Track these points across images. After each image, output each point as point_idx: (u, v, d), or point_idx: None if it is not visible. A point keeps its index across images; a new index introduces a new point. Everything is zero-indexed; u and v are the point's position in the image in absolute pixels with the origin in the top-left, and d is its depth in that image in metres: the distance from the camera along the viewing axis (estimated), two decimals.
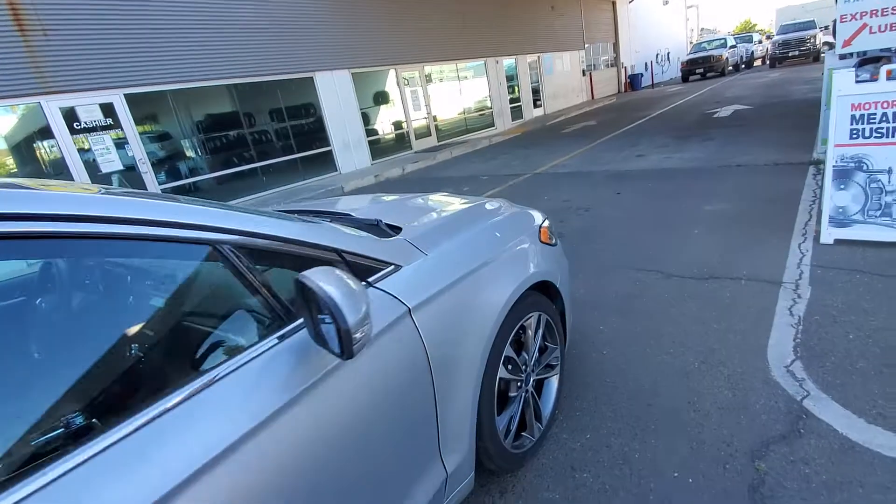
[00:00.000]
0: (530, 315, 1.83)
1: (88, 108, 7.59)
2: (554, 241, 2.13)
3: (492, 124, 15.34)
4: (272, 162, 9.77)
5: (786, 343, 2.31)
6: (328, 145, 10.52)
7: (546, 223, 2.13)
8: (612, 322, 2.77)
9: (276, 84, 9.66)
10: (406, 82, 12.40)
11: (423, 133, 13.14)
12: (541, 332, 1.92)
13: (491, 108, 15.31)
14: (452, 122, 14.28)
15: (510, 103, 16.13)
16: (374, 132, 11.72)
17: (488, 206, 2.09)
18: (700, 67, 21.35)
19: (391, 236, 1.55)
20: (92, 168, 7.51)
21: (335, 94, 10.47)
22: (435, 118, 13.48)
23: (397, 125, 12.52)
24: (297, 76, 9.90)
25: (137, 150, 8.06)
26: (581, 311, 2.93)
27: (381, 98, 12.13)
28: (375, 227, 1.72)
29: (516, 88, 16.58)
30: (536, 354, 1.92)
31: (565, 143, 10.26)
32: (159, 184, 8.32)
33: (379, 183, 9.43)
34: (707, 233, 3.84)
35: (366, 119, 11.31)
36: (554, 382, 2.05)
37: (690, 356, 2.34)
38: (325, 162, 10.55)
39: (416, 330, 1.28)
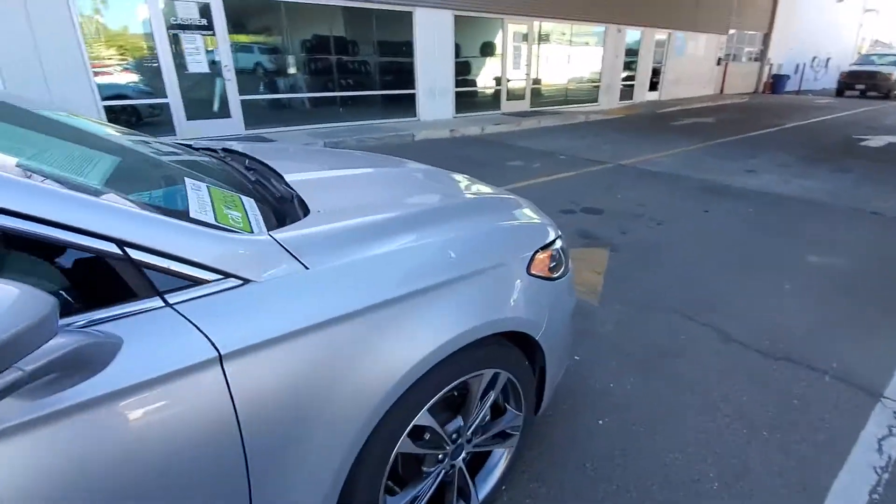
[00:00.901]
0: (480, 373, 1.30)
1: (187, 4, 7.62)
2: (559, 273, 1.54)
3: (595, 100, 13.99)
4: (351, 94, 9.48)
5: (857, 495, 1.60)
6: (413, 88, 10.01)
7: (555, 245, 1.54)
8: (628, 382, 2.15)
9: (371, 13, 9.18)
10: (512, 36, 11.42)
11: (517, 95, 12.21)
12: (493, 395, 1.39)
13: (599, 82, 13.91)
14: (552, 89, 13.14)
15: (622, 80, 14.55)
16: (464, 84, 10.97)
17: (487, 206, 1.54)
18: (861, 83, 17.99)
19: (283, 226, 1.07)
20: (180, 66, 7.63)
21: (432, 35, 9.82)
22: (534, 81, 12.45)
23: (491, 81, 11.69)
24: (396, 7, 9.34)
25: (225, 56, 8.05)
26: (596, 351, 2.32)
27: (480, 49, 11.30)
28: (288, 205, 1.25)
29: (634, 65, 14.89)
30: (480, 421, 1.40)
31: (669, 137, 9.00)
32: (239, 93, 8.34)
33: (452, 138, 8.87)
34: (801, 292, 2.98)
35: (458, 69, 10.59)
36: (502, 457, 1.54)
37: (712, 469, 1.70)
38: (406, 105, 10.10)
39: (227, 391, 0.82)
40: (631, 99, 15.15)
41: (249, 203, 1.17)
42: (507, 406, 1.50)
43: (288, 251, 0.96)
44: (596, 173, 6.17)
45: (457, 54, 10.42)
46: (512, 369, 1.41)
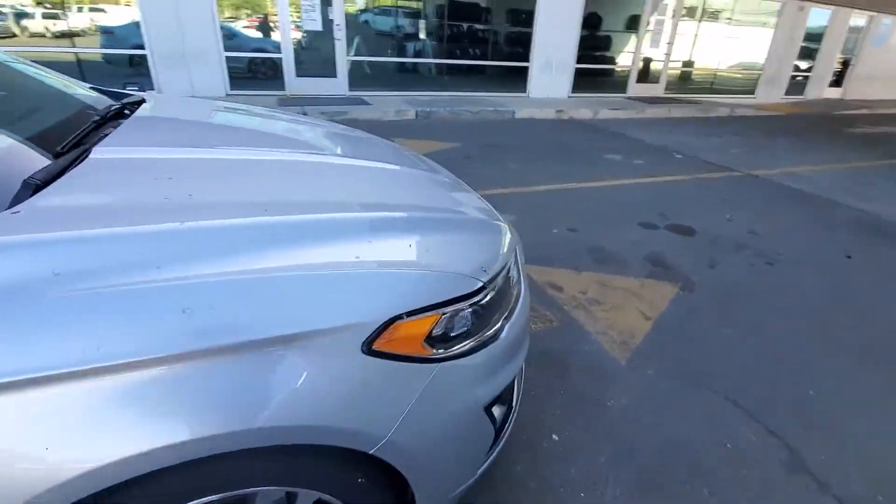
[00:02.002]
0: (253, 491, 0.83)
1: None
2: (459, 347, 0.98)
3: (751, 92, 11.76)
4: (458, 63, 8.99)
5: None
6: (526, 61, 9.19)
7: (464, 305, 0.97)
8: None
9: None
10: (655, 6, 9.90)
11: (651, 77, 10.68)
12: None
13: (761, 70, 11.62)
14: (696, 73, 11.29)
15: (793, 71, 12.01)
16: (588, 59, 9.79)
17: (321, 229, 1.01)
18: None
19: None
20: (295, 23, 7.80)
21: (557, 2, 8.84)
22: (677, 63, 10.76)
23: (621, 59, 10.34)
24: None
25: (338, 15, 8.04)
26: (584, 437, 1.67)
27: (613, 20, 10.00)
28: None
29: (814, 54, 12.18)
30: None
31: (836, 147, 7.14)
32: (347, 54, 8.33)
33: (557, 120, 7.98)
34: None
35: (583, 42, 9.47)
36: None
37: None
38: (516, 79, 9.33)
39: None
40: (801, 94, 12.50)
41: None
42: None
43: None
44: (712, 182, 5.01)
45: (584, 25, 9.30)
46: (330, 488, 0.91)
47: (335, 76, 8.31)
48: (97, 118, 1.32)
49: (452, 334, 1.01)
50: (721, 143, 6.91)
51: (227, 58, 7.50)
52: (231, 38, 7.64)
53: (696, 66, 11.18)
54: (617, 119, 8.45)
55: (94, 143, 1.13)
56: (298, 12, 7.79)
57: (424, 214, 1.19)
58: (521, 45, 9.14)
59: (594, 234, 3.41)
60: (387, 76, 8.81)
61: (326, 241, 0.94)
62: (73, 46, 6.94)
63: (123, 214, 0.85)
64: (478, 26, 9.11)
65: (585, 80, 9.82)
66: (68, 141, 1.12)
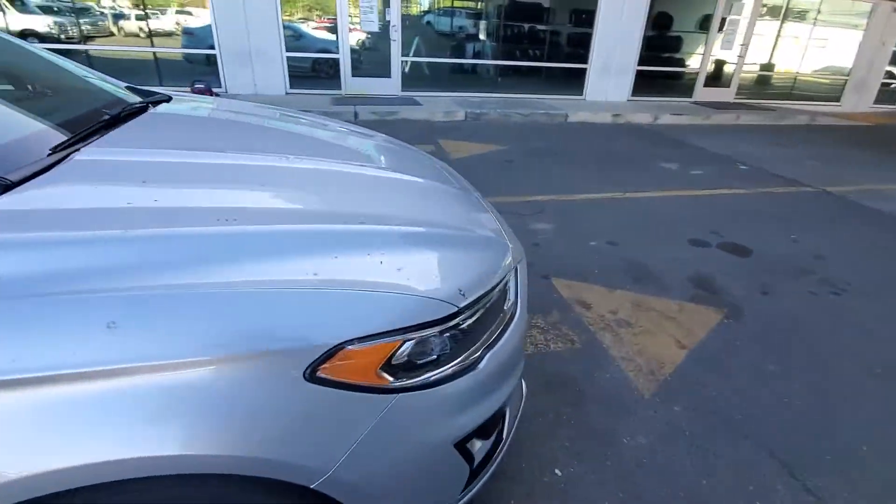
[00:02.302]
0: None
1: None
2: (424, 376, 0.89)
3: (836, 99, 10.76)
4: (511, 64, 8.82)
5: None
6: (584, 62, 8.87)
7: (437, 329, 0.89)
8: None
9: None
10: (729, 6, 9.25)
11: (720, 81, 10.01)
12: None
13: (847, 76, 10.59)
14: (773, 78, 10.46)
15: (884, 77, 10.86)
16: (650, 61, 9.29)
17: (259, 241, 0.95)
18: None
19: None
20: (352, 25, 7.97)
21: (620, 2, 8.46)
22: (752, 67, 10.03)
23: (688, 61, 9.76)
24: None
25: (395, 16, 8.11)
26: (590, 479, 1.53)
27: (681, 20, 9.45)
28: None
29: None
30: None
31: None
32: (402, 55, 8.39)
33: (613, 125, 7.63)
34: None
35: (646, 43, 9.01)
36: None
37: None
38: (572, 82, 9.03)
39: None
40: (894, 104, 11.28)
41: None
42: None
43: None
44: (779, 197, 4.58)
45: (649, 25, 8.85)
46: None
47: (389, 76, 8.39)
48: (108, 117, 1.34)
49: (420, 362, 0.92)
50: (794, 155, 6.33)
51: (287, 57, 7.77)
52: (297, 39, 7.92)
53: (773, 70, 10.36)
54: (678, 125, 7.97)
55: (88, 143, 1.14)
56: (357, 13, 7.94)
57: (409, 229, 1.11)
58: (579, 46, 8.84)
59: (635, 249, 3.19)
60: (440, 77, 8.79)
61: (283, 255, 0.88)
62: (159, 46, 7.56)
63: (75, 219, 0.83)
64: (534, 26, 8.90)
65: (647, 83, 9.35)
66: (66, 140, 1.14)
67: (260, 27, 7.35)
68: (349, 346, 0.82)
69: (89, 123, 1.25)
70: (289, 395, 0.78)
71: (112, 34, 7.54)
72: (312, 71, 8.32)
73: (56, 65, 1.69)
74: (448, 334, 0.94)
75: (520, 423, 1.35)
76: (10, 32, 6.99)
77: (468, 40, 8.90)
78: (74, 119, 1.30)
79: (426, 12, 9.08)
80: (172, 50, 7.65)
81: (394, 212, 1.18)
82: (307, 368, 0.79)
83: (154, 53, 7.56)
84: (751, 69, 10.14)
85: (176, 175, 1.09)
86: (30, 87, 1.54)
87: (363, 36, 8.25)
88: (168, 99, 1.83)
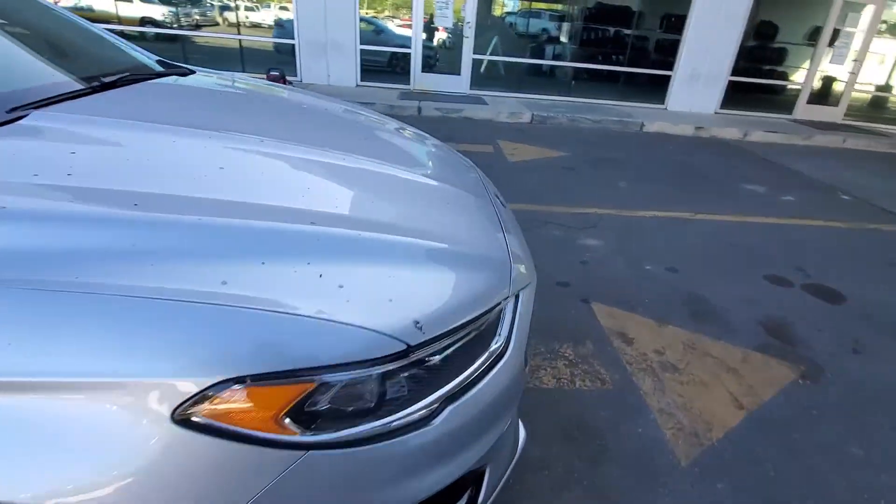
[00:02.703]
0: None
1: None
2: (359, 433, 0.68)
3: None
4: (587, 67, 8.35)
5: None
6: (668, 69, 8.21)
7: (362, 374, 0.68)
8: None
9: None
10: (844, 17, 8.20)
11: (828, 99, 8.91)
12: None
13: None
14: (890, 100, 9.17)
15: None
16: (746, 72, 8.42)
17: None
18: None
19: None
20: (427, 20, 7.91)
21: (717, 5, 7.73)
22: (863, 84, 8.85)
23: (791, 75, 8.78)
24: None
25: (470, 12, 7.94)
26: None
27: (783, 29, 8.51)
28: None
29: None
30: None
31: None
32: (474, 52, 8.20)
33: (694, 138, 6.97)
34: None
35: (742, 53, 8.18)
36: None
37: None
38: (653, 89, 8.38)
39: None
40: None
41: None
42: None
43: None
44: (886, 236, 3.89)
45: (749, 34, 8.03)
46: None
47: (458, 74, 8.24)
48: (99, 83, 1.25)
49: (349, 409, 0.71)
50: None
51: (361, 50, 7.84)
52: (372, 33, 8.02)
53: (893, 90, 9.08)
54: (772, 143, 7.15)
55: (46, 105, 1.04)
56: (432, 10, 7.86)
57: (376, 236, 0.89)
58: (664, 52, 8.19)
59: (699, 280, 2.78)
60: (511, 78, 8.51)
61: (184, 255, 0.70)
62: (251, 35, 8.13)
63: None
64: (618, 30, 8.38)
65: (740, 96, 8.50)
66: (34, 102, 1.05)
67: (337, 20, 7.49)
68: (239, 385, 0.62)
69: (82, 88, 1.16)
70: (148, 441, 0.59)
71: (217, 24, 8.28)
72: (387, 65, 8.36)
73: (82, 28, 1.66)
74: (390, 378, 0.72)
75: (515, 475, 1.10)
76: (131, 20, 7.87)
77: (547, 42, 8.58)
78: (65, 82, 1.21)
79: (508, 13, 8.86)
80: (262, 39, 8.13)
81: (370, 214, 0.98)
82: (176, 409, 0.60)
83: (239, 41, 7.95)
84: (864, 89, 8.96)
85: (117, 150, 0.95)
86: (37, 42, 1.49)
87: (436, 32, 8.18)
88: (190, 72, 1.75)
